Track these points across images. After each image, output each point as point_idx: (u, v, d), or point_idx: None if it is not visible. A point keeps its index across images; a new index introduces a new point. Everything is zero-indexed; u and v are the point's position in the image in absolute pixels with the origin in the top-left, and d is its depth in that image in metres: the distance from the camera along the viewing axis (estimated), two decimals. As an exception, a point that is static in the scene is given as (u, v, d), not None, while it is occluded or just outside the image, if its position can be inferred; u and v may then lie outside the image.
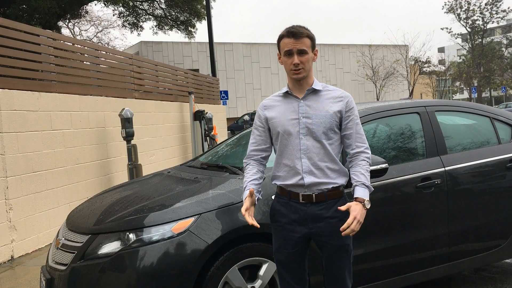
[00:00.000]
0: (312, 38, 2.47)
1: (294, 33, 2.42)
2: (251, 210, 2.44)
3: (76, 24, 29.53)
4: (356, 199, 2.40)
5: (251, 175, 2.59)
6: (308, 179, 2.44)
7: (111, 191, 3.95)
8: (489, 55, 47.05)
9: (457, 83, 51.64)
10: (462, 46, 51.54)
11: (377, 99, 40.16)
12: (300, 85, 2.51)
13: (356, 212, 2.33)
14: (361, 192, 2.41)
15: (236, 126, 29.52)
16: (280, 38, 2.48)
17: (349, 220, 2.31)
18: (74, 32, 30.00)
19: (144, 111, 9.50)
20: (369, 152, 2.53)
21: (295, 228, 2.49)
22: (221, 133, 14.58)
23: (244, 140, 4.24)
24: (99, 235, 2.92)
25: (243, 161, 2.68)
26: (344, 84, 40.59)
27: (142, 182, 4.02)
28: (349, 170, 2.54)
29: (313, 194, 2.46)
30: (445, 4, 48.79)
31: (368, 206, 2.39)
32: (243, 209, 2.41)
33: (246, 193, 2.49)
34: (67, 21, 25.96)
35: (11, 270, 5.18)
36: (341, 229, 2.32)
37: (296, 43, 2.42)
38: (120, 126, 7.75)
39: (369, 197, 2.43)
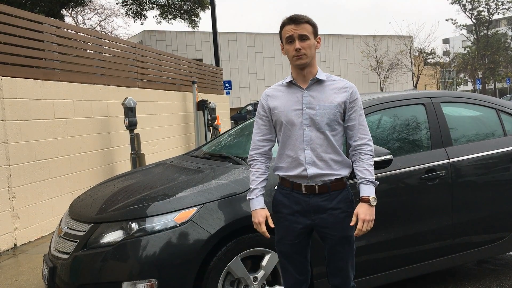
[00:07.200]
0: (313, 25, 2.45)
1: (294, 19, 2.42)
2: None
3: (79, 12, 29.42)
4: (361, 199, 2.40)
5: (260, 174, 2.56)
6: (311, 171, 2.43)
7: (114, 180, 3.95)
8: (494, 47, 46.73)
9: (462, 75, 51.34)
10: (467, 37, 51.15)
11: (381, 90, 39.98)
12: (304, 75, 2.47)
13: (363, 214, 2.37)
14: (366, 190, 2.41)
15: (239, 116, 29.45)
16: (282, 26, 2.47)
17: (359, 226, 2.36)
18: (77, 20, 29.90)
19: (147, 101, 9.48)
20: (372, 144, 2.51)
21: (297, 219, 2.48)
22: (224, 123, 14.57)
23: (247, 130, 4.22)
24: (101, 224, 2.92)
25: (250, 154, 2.60)
26: (348, 74, 40.38)
27: (145, 171, 4.02)
28: (352, 162, 2.52)
29: (316, 185, 2.44)
30: (451, -5, 48.32)
31: (375, 203, 2.40)
32: (261, 224, 2.48)
33: (259, 201, 2.51)
34: (70, 9, 25.83)
35: (14, 258, 5.20)
36: (355, 234, 2.39)
37: (297, 29, 2.40)
38: (123, 115, 7.73)
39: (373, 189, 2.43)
